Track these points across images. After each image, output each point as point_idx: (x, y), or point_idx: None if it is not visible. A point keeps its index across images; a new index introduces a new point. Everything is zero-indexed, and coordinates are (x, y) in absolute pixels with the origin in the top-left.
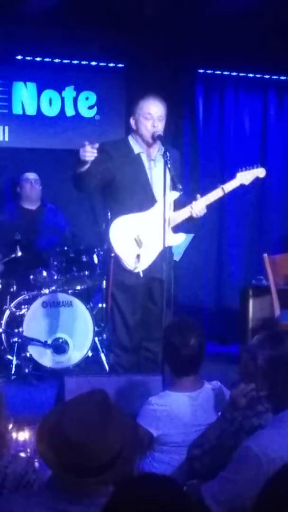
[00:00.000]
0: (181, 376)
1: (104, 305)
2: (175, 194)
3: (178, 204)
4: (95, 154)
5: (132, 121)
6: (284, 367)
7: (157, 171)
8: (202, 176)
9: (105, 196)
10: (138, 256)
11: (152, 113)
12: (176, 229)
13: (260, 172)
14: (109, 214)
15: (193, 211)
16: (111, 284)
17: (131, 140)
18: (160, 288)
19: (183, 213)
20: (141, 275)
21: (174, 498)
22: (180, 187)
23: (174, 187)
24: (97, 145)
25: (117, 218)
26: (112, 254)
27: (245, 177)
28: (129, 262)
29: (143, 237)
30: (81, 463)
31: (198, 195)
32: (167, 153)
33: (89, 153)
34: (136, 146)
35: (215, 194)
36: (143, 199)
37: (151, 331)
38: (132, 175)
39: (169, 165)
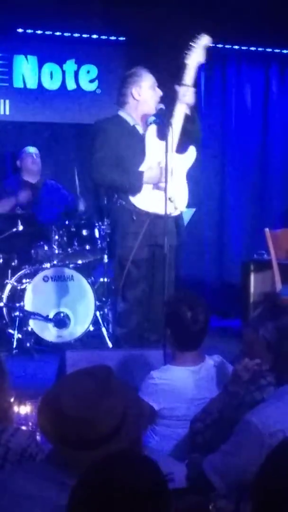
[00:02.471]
0: (185, 351)
1: (106, 280)
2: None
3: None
4: None
5: (135, 91)
6: (286, 340)
7: (150, 140)
8: (203, 149)
9: (108, 169)
10: (170, 199)
11: (155, 83)
12: (180, 147)
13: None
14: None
15: (187, 102)
16: (130, 261)
17: (123, 114)
18: (163, 258)
19: (176, 127)
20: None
21: (142, 480)
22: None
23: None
24: None
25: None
26: (148, 220)
27: (192, 58)
28: (168, 209)
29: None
30: (78, 436)
31: (176, 86)
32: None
33: None
34: (129, 118)
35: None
36: (140, 175)
37: (154, 303)
38: (132, 145)
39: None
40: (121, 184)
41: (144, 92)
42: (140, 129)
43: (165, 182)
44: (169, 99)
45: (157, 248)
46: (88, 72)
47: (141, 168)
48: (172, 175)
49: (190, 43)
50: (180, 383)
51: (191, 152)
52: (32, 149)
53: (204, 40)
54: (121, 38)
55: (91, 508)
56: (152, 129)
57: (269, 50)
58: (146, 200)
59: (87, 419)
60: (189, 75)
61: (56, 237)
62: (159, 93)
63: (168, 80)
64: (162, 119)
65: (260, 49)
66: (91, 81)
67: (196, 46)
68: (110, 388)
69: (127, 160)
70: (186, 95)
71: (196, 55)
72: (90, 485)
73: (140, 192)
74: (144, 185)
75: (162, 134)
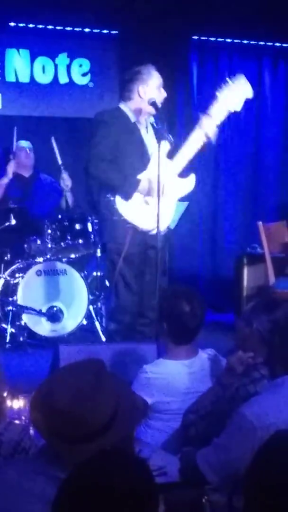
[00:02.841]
0: (179, 344)
1: (99, 273)
2: (167, 144)
3: (173, 151)
4: None
5: (141, 89)
6: (280, 332)
7: (149, 138)
8: None
9: (104, 163)
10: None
11: (161, 82)
12: (182, 173)
13: (244, 83)
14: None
15: (207, 132)
16: (122, 258)
17: (125, 108)
18: (155, 255)
19: (187, 153)
20: (172, 227)
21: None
22: (171, 137)
23: (165, 138)
24: None
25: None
26: (128, 225)
27: (225, 97)
28: (147, 225)
29: (152, 198)
30: (71, 430)
31: (200, 114)
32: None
33: None
34: (131, 114)
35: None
36: (142, 164)
37: (146, 297)
38: (131, 142)
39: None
40: (115, 185)
41: (150, 92)
42: (140, 127)
43: (157, 190)
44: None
45: (148, 246)
46: (80, 65)
47: (139, 176)
48: (164, 195)
49: (228, 79)
50: (174, 377)
51: (191, 180)
52: (25, 143)
53: (243, 84)
54: (113, 32)
55: (76, 505)
56: (151, 132)
57: (261, 43)
58: (133, 212)
59: (79, 413)
60: (217, 108)
61: (49, 231)
62: (164, 94)
63: (161, 73)
64: (160, 127)
65: (252, 42)
66: (84, 74)
67: (232, 86)
68: (103, 382)
69: (125, 160)
70: (208, 127)
71: (230, 95)
72: (77, 482)
73: (131, 199)
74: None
75: (158, 139)
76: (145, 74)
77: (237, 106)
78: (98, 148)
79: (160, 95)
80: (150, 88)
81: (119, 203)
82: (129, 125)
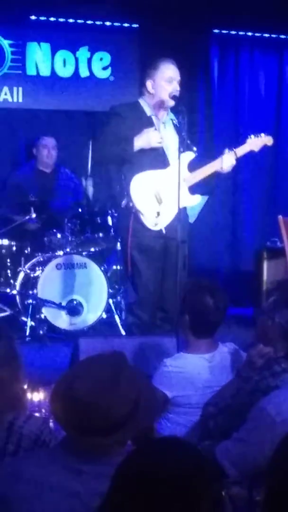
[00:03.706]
0: (201, 338)
1: (118, 267)
2: (191, 155)
3: (193, 165)
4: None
5: (149, 84)
6: None
7: (167, 133)
8: (216, 137)
9: (119, 157)
10: (158, 213)
11: (174, 76)
12: (192, 190)
13: (268, 140)
14: (123, 176)
15: (223, 166)
16: (129, 245)
17: (143, 103)
18: (176, 249)
19: (201, 173)
20: (164, 232)
21: (189, 462)
22: (195, 148)
23: (188, 148)
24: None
25: (137, 174)
26: (133, 211)
27: (254, 143)
28: (149, 218)
29: (162, 194)
30: (91, 422)
31: (226, 150)
32: (179, 115)
33: (160, 138)
34: (148, 109)
35: (229, 158)
36: (156, 159)
37: (166, 292)
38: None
39: (176, 124)
40: (116, 155)
41: (157, 86)
42: (156, 120)
43: (178, 177)
44: (183, 85)
45: (169, 239)
46: (101, 59)
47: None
48: (171, 200)
49: (260, 135)
50: (194, 371)
51: (196, 199)
52: (48, 140)
53: (269, 138)
54: (134, 25)
55: (134, 494)
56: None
57: (282, 37)
58: (143, 202)
59: (101, 405)
60: (242, 149)
61: (69, 224)
62: (175, 87)
63: (182, 66)
64: (179, 120)
65: (273, 36)
66: (104, 68)
67: (262, 137)
68: (123, 374)
69: (141, 151)
70: (228, 161)
71: (257, 142)
72: (133, 471)
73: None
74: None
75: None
76: (153, 69)
77: (257, 149)
78: (104, 136)
79: (169, 87)
80: (157, 83)
81: (133, 187)
82: (143, 119)
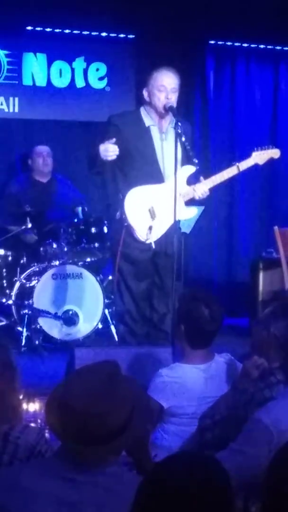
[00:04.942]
0: (197, 349)
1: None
2: (191, 169)
3: (194, 179)
4: (117, 152)
5: (145, 92)
6: None
7: (168, 144)
8: (212, 149)
9: (113, 168)
10: (150, 228)
11: (166, 85)
12: (189, 202)
13: (275, 153)
14: (118, 188)
15: (195, 194)
16: (119, 255)
17: (143, 112)
18: (166, 262)
19: (213, 181)
20: (153, 246)
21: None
22: (196, 161)
23: (189, 161)
24: (114, 140)
25: (133, 188)
26: (125, 224)
27: (259, 156)
28: (141, 233)
29: (156, 209)
30: (86, 432)
31: (202, 178)
32: (179, 124)
33: (111, 152)
34: (147, 118)
35: (230, 172)
36: (151, 172)
37: (158, 304)
38: (141, 148)
39: (183, 138)
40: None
41: (151, 95)
42: (156, 130)
43: (175, 181)
44: (179, 94)
45: (158, 254)
46: (97, 69)
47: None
48: (165, 214)
49: (266, 147)
50: (189, 381)
51: (192, 212)
52: (44, 149)
53: (275, 151)
54: (130, 36)
55: (155, 507)
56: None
57: (278, 48)
58: (136, 216)
59: (95, 414)
60: (246, 163)
61: (65, 234)
62: (168, 96)
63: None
64: (178, 127)
65: (269, 47)
66: (100, 78)
67: (267, 150)
68: (118, 383)
69: (135, 165)
70: (229, 174)
71: (261, 156)
72: (155, 484)
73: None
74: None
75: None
76: (148, 77)
77: (262, 162)
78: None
79: (161, 95)
80: (150, 91)
81: (128, 201)
82: (141, 129)
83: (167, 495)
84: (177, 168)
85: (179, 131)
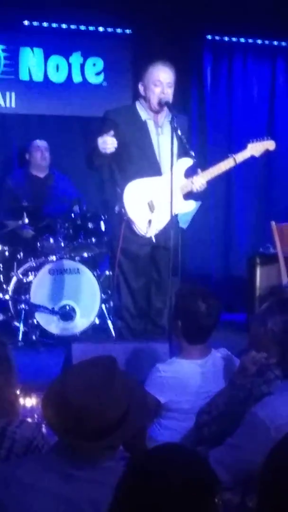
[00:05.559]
0: (194, 344)
1: (111, 272)
2: (189, 161)
3: (191, 172)
4: (115, 144)
5: (140, 87)
6: None
7: (164, 138)
8: (209, 143)
9: (110, 163)
10: (149, 222)
11: (162, 80)
12: (187, 196)
13: (270, 144)
14: (116, 182)
15: (193, 186)
16: (119, 250)
17: (139, 106)
18: (165, 256)
19: (210, 174)
20: (153, 240)
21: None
22: (193, 153)
23: (186, 154)
24: (112, 132)
25: (131, 181)
26: (125, 218)
27: (255, 148)
28: (141, 226)
29: (156, 202)
30: (83, 426)
31: (199, 170)
32: (175, 119)
33: (110, 145)
34: (143, 113)
35: (227, 164)
36: (148, 166)
37: (156, 299)
38: (137, 142)
39: (179, 132)
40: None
41: (147, 89)
42: (152, 124)
43: (171, 183)
44: (176, 89)
45: (157, 247)
46: (94, 65)
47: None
48: (163, 207)
49: (262, 139)
50: (187, 376)
51: (191, 205)
52: (41, 143)
53: (271, 142)
54: (127, 31)
55: (135, 500)
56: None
57: (275, 43)
58: (135, 210)
59: (92, 408)
60: (242, 155)
61: (62, 229)
62: (164, 90)
63: (175, 72)
64: (174, 121)
65: (266, 42)
66: (97, 74)
67: (262, 141)
68: (115, 378)
69: (132, 159)
70: (225, 166)
71: (257, 147)
72: (134, 477)
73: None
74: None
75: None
76: (144, 71)
77: (258, 154)
78: (96, 143)
79: (155, 92)
80: (145, 85)
81: (127, 194)
82: (137, 123)
83: (146, 486)
84: (174, 162)
85: (175, 125)
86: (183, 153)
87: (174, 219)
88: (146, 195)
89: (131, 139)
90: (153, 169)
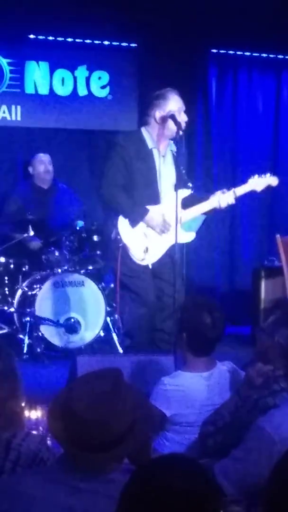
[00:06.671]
0: (199, 356)
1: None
2: (186, 192)
3: (189, 201)
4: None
5: (158, 114)
6: None
7: (166, 167)
8: (215, 158)
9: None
10: (146, 249)
11: (181, 107)
12: (188, 226)
13: (273, 180)
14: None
15: (221, 204)
16: (119, 274)
17: (145, 133)
18: (169, 268)
19: (196, 210)
20: (150, 267)
21: (195, 479)
22: (190, 184)
23: (184, 184)
24: None
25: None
26: (120, 244)
27: (256, 183)
28: (136, 253)
29: (152, 230)
30: (89, 438)
31: (225, 190)
32: (180, 149)
33: None
34: (149, 141)
35: (224, 199)
36: (149, 194)
37: (162, 312)
38: (143, 170)
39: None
40: (124, 211)
41: (167, 116)
42: (156, 153)
43: (175, 204)
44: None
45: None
46: (99, 78)
47: (151, 208)
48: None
49: (264, 176)
50: (192, 389)
51: (190, 237)
52: (44, 157)
53: (273, 179)
54: (132, 45)
55: (143, 509)
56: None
57: (280, 57)
58: (130, 237)
59: (98, 420)
60: (242, 189)
61: (67, 242)
62: (184, 118)
63: (179, 86)
64: (178, 147)
65: (271, 56)
66: (103, 87)
67: (265, 178)
68: (121, 390)
69: (136, 187)
70: (226, 200)
71: (259, 183)
72: (140, 489)
73: (135, 226)
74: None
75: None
76: (162, 99)
77: (259, 189)
78: (111, 171)
79: (178, 119)
80: (167, 114)
81: (121, 222)
82: (144, 151)
83: (150, 495)
84: (173, 192)
85: (180, 152)
86: (182, 184)
87: (177, 248)
88: (141, 223)
89: (138, 166)
90: (153, 197)
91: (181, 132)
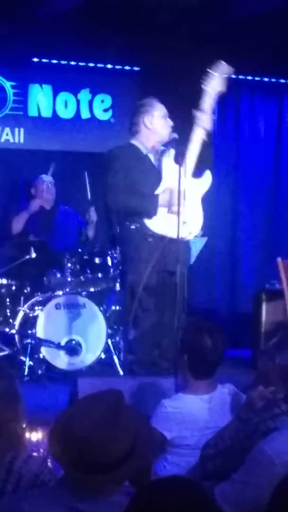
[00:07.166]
0: (199, 379)
1: (117, 308)
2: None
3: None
4: None
5: (147, 120)
6: None
7: (166, 166)
8: (216, 180)
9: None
10: (183, 223)
11: (166, 112)
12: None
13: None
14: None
15: (205, 127)
16: (141, 286)
17: (136, 143)
18: (171, 290)
19: (193, 152)
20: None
21: (196, 502)
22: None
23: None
24: None
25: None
26: (165, 239)
27: (210, 84)
28: (182, 232)
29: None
30: (90, 460)
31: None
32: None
33: None
34: (143, 148)
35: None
36: (154, 191)
37: (163, 328)
38: (145, 172)
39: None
40: (135, 208)
41: (156, 122)
42: (152, 157)
43: (177, 207)
44: (184, 126)
45: (166, 274)
46: (102, 101)
47: (156, 191)
48: (186, 200)
49: (209, 70)
50: (192, 412)
51: (207, 177)
52: (47, 178)
53: (224, 69)
54: (135, 68)
55: None
56: (170, 155)
57: (282, 81)
58: (161, 224)
59: (99, 443)
60: (207, 102)
61: (69, 264)
62: (170, 123)
63: (182, 109)
64: (177, 147)
65: (273, 80)
66: (105, 110)
67: (215, 74)
68: (121, 412)
69: (140, 185)
70: (203, 120)
71: (214, 83)
72: (144, 509)
73: (156, 215)
74: (158, 208)
75: (178, 160)
76: (148, 106)
77: (222, 87)
78: (113, 180)
79: (166, 124)
80: (155, 119)
81: (148, 223)
82: (141, 156)
83: None
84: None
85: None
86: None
87: (185, 247)
88: (162, 209)
89: (138, 170)
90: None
91: (175, 135)
